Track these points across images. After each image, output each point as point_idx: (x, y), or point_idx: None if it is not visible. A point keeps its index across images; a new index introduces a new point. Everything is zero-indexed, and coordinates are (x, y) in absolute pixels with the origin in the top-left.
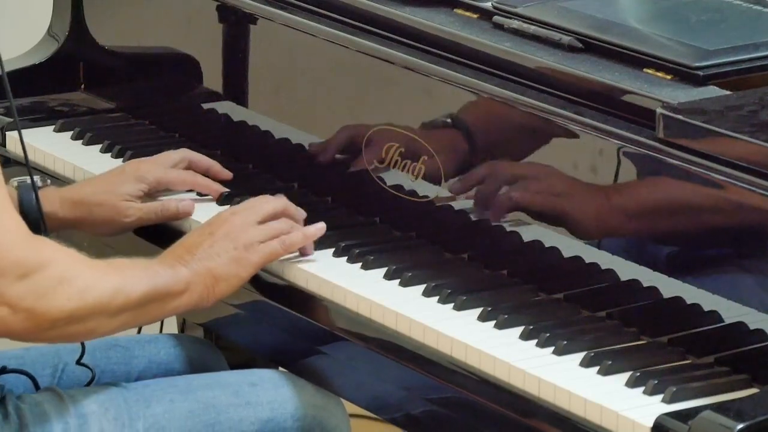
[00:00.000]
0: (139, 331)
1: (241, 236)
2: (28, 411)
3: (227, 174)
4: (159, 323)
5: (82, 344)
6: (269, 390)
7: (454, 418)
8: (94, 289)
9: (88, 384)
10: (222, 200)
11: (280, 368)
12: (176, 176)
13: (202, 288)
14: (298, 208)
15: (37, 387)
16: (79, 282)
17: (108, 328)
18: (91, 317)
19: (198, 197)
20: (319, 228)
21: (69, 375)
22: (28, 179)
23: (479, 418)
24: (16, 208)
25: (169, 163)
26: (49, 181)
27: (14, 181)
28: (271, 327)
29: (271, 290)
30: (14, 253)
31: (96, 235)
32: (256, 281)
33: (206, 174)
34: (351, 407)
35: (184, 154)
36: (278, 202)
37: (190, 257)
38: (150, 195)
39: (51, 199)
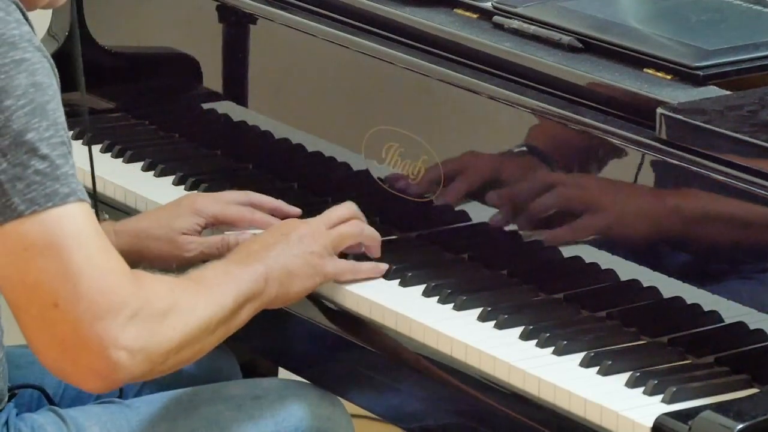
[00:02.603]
0: None
1: (313, 243)
2: None
3: (296, 211)
4: None
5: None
6: (273, 402)
7: (453, 418)
8: (194, 313)
9: None
10: None
11: (280, 369)
12: (235, 212)
13: (278, 284)
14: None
15: (47, 397)
16: (180, 309)
17: (210, 344)
18: (196, 340)
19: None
20: (384, 269)
21: None
22: None
23: (479, 418)
24: None
25: (229, 200)
26: (107, 215)
27: None
28: (269, 327)
29: None
30: (122, 293)
31: (155, 267)
32: None
33: (272, 214)
34: (351, 407)
35: (248, 196)
36: (349, 209)
37: (265, 254)
38: (209, 228)
39: (105, 231)
